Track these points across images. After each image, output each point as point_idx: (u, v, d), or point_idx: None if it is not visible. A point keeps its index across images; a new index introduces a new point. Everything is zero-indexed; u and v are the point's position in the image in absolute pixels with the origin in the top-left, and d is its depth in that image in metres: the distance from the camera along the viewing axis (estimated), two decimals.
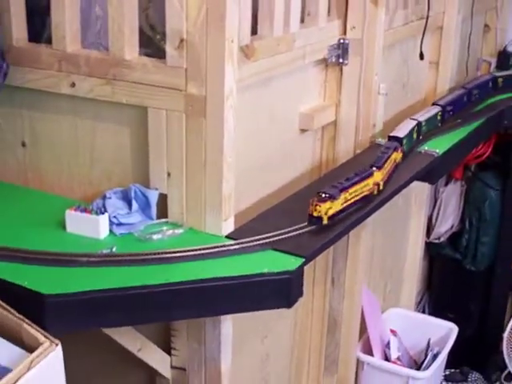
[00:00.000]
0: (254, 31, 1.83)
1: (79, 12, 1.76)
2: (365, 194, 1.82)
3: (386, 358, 2.72)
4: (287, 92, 2.01)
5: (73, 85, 1.75)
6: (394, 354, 2.73)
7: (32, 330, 1.16)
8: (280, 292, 1.54)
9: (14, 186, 1.94)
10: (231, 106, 1.59)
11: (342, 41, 2.14)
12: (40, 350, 1.13)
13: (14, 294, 1.29)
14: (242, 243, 1.61)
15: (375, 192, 1.87)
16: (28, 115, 1.90)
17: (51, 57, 1.78)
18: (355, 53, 2.15)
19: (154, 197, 1.67)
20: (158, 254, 1.56)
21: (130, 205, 1.67)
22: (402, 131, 2.16)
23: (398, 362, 2.72)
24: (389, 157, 1.95)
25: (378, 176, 1.87)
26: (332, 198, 1.69)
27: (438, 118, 2.39)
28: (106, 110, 1.76)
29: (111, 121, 1.76)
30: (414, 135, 2.23)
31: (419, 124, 2.26)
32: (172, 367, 1.89)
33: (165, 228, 1.66)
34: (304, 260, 1.56)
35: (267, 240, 1.62)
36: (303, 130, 2.11)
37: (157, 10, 1.84)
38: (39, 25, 1.87)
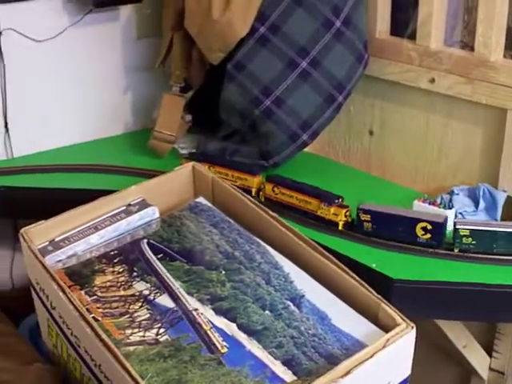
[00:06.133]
0: None
1: (446, 10, 1.80)
2: None
3: None
4: None
5: (432, 81, 1.80)
6: None
7: (390, 311, 1.21)
8: None
9: (356, 171, 2.04)
10: None
11: None
12: (396, 330, 1.18)
13: (363, 275, 1.35)
14: None
15: None
16: (380, 105, 1.97)
17: (413, 51, 1.83)
18: None
19: (501, 198, 1.68)
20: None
21: (476, 203, 1.68)
22: None
23: None
24: None
25: None
26: None
27: None
28: (460, 108, 1.78)
29: (465, 119, 1.79)
30: None
31: None
32: (490, 369, 1.89)
33: None
34: None
35: None
36: None
37: None
38: (402, 19, 1.92)
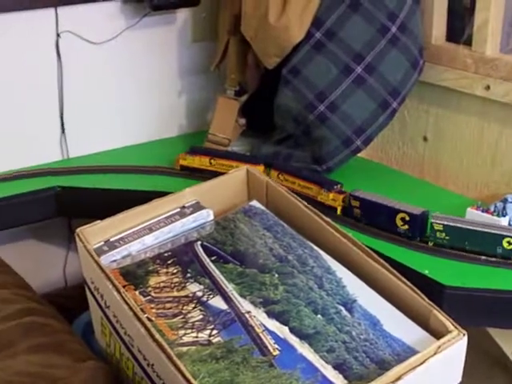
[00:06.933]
0: None
1: (503, 17, 1.79)
2: None
3: None
4: None
5: (487, 88, 1.79)
6: None
7: (441, 317, 1.21)
8: None
9: (409, 177, 2.04)
10: None
11: None
12: (448, 337, 1.18)
13: (415, 281, 1.34)
14: None
15: None
16: (434, 112, 1.96)
17: (469, 58, 1.82)
18: None
19: None
20: None
21: None
22: None
23: None
24: None
25: None
26: None
27: None
28: None
29: None
30: None
31: None
32: None
33: None
34: None
35: None
36: None
37: None
38: (458, 25, 1.92)
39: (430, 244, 1.64)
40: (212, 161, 1.97)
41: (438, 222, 1.63)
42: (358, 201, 1.73)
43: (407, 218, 1.66)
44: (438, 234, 1.63)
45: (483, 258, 1.60)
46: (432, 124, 1.98)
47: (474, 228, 1.60)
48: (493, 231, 1.59)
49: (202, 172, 1.97)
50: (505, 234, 1.58)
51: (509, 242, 1.57)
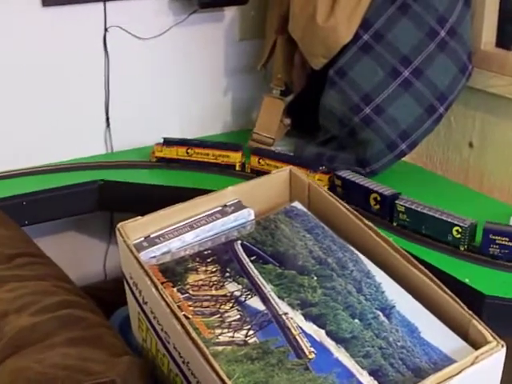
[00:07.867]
0: None
1: None
2: None
3: None
4: None
5: None
6: None
7: (480, 328, 1.19)
8: None
9: (453, 183, 2.02)
10: None
11: None
12: (486, 347, 1.16)
13: (454, 288, 1.33)
14: None
15: None
16: (481, 118, 1.95)
17: None
18: None
19: None
20: None
21: None
22: None
23: None
24: None
25: None
26: None
27: None
28: None
29: None
30: None
31: None
32: None
33: None
34: None
35: None
36: None
37: None
38: (508, 31, 1.90)
39: (395, 224, 1.71)
40: (189, 150, 2.03)
41: (401, 203, 1.69)
42: (341, 180, 1.81)
43: (379, 199, 1.73)
44: (400, 215, 1.69)
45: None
46: (478, 130, 1.96)
47: (429, 213, 1.66)
48: (444, 218, 1.63)
49: (179, 162, 2.04)
50: (455, 222, 1.62)
51: (457, 231, 1.61)
